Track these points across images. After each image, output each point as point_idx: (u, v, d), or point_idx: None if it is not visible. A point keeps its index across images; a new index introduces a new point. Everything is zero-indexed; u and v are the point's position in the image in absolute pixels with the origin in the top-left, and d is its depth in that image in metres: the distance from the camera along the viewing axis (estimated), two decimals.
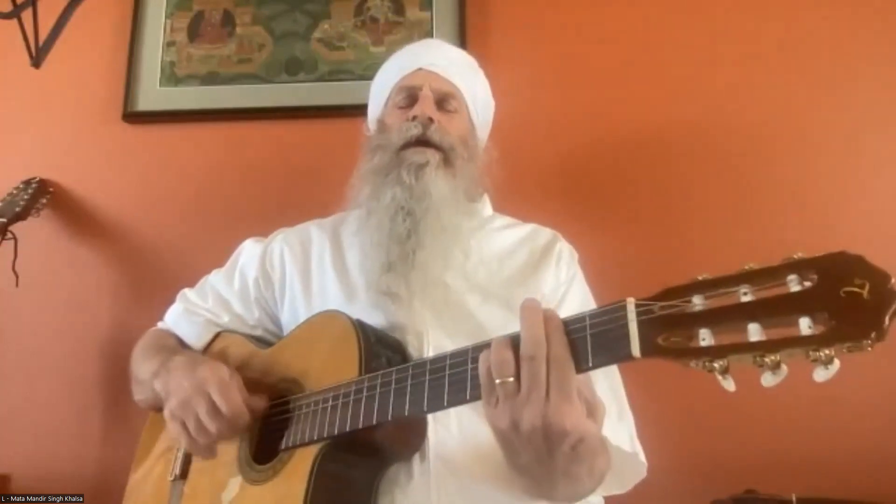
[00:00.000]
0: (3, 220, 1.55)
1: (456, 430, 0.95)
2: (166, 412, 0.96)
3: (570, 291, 1.11)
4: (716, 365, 0.59)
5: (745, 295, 0.60)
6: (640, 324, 0.65)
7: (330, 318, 0.98)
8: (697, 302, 0.62)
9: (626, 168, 1.65)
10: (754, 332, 0.58)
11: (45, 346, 1.66)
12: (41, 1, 1.35)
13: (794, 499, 1.24)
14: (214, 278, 1.24)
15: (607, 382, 0.99)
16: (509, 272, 1.10)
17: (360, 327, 0.94)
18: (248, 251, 1.23)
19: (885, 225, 1.55)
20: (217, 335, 1.17)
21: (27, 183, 1.67)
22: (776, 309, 0.58)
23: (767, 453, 1.43)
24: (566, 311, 1.03)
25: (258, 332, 1.18)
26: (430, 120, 1.10)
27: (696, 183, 1.63)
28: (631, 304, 0.66)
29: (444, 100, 1.15)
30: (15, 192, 1.64)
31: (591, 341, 0.68)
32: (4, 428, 1.61)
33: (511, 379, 0.69)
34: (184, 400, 0.94)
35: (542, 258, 1.13)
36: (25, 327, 1.67)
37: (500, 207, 1.26)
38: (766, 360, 0.57)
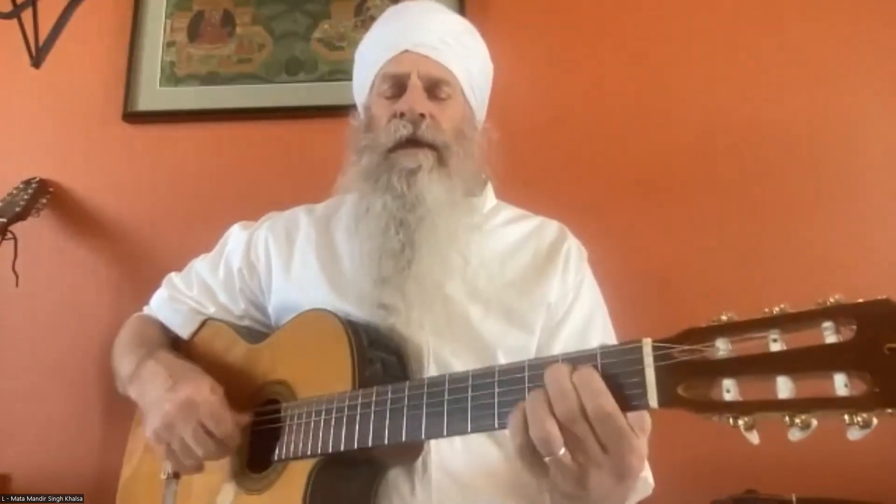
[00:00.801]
0: (3, 220, 1.55)
1: (458, 440, 0.93)
2: (149, 432, 0.93)
3: (578, 299, 1.05)
4: (741, 422, 0.55)
5: (775, 342, 0.55)
6: (658, 370, 0.59)
7: (319, 319, 0.94)
8: (721, 346, 0.57)
9: (631, 157, 1.65)
10: (784, 387, 0.54)
11: (44, 346, 1.66)
12: (41, 1, 1.35)
13: (794, 499, 1.23)
14: (200, 265, 1.20)
15: None
16: (512, 275, 1.04)
17: (352, 329, 0.90)
18: (235, 238, 1.19)
19: None
20: (204, 322, 1.13)
21: (27, 183, 1.67)
22: (808, 362, 0.53)
23: (767, 453, 1.42)
24: (573, 322, 1.03)
25: (245, 322, 1.14)
26: (421, 116, 1.00)
27: (706, 178, 1.62)
28: (648, 346, 0.60)
29: (436, 86, 1.04)
30: (15, 192, 1.64)
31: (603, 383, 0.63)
32: (4, 428, 1.61)
33: (562, 451, 0.63)
34: (168, 423, 0.90)
35: (547, 260, 1.06)
36: (25, 327, 1.67)
37: (503, 195, 1.20)
38: (797, 419, 0.53)
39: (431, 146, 1.01)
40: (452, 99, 1.06)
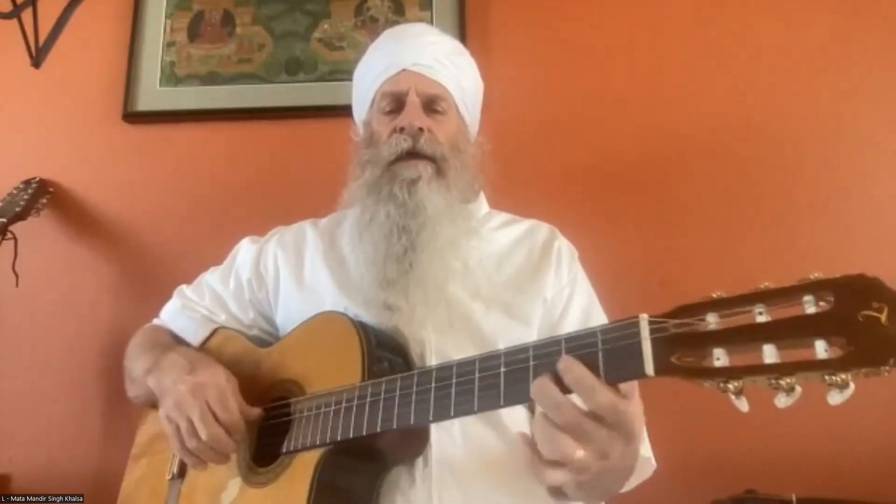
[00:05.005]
0: (3, 220, 1.55)
1: (458, 435, 0.95)
2: (161, 413, 0.96)
3: (574, 293, 1.10)
4: (730, 386, 0.59)
5: (761, 315, 0.60)
6: (654, 342, 0.64)
7: (331, 320, 0.98)
8: (712, 320, 0.62)
9: (628, 164, 1.65)
10: (769, 353, 0.58)
11: (44, 346, 1.66)
12: (41, 1, 1.35)
13: (794, 499, 1.23)
14: (211, 277, 1.24)
15: None
16: (507, 275, 1.10)
17: (363, 329, 0.93)
18: (244, 251, 1.23)
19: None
20: (214, 331, 1.16)
21: (27, 183, 1.67)
22: (791, 331, 0.58)
23: (767, 453, 1.42)
24: (573, 313, 1.08)
25: (254, 332, 1.18)
26: (420, 130, 1.06)
27: (699, 179, 1.63)
28: (644, 320, 0.65)
29: (433, 101, 1.11)
30: (15, 192, 1.64)
31: (602, 357, 0.68)
32: (4, 428, 1.61)
33: (581, 454, 0.68)
34: (179, 403, 0.93)
35: (541, 258, 1.12)
36: (25, 327, 1.67)
37: (497, 203, 1.24)
38: (782, 382, 0.57)
39: (430, 158, 1.07)
40: (448, 114, 1.12)
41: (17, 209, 1.58)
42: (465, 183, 1.12)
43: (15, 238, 1.59)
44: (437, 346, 0.99)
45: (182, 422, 0.93)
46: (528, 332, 1.04)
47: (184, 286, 1.26)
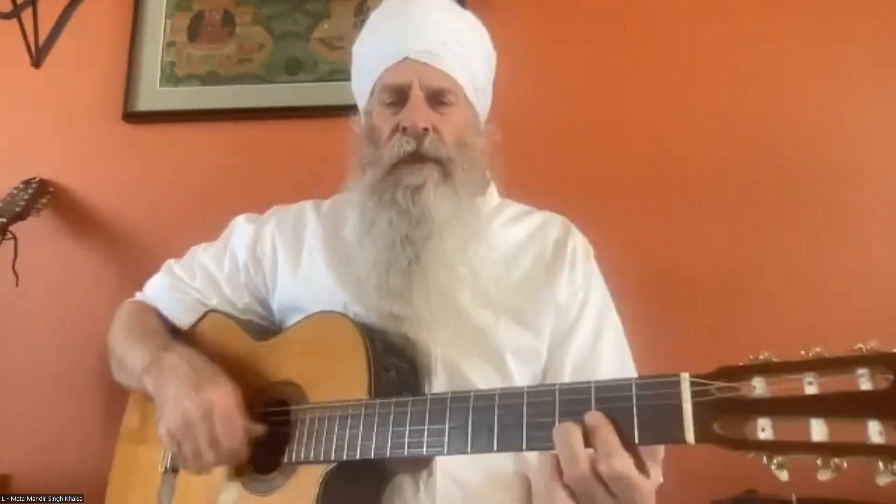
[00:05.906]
0: (3, 220, 1.55)
1: None
2: (162, 428, 0.92)
3: (588, 299, 1.04)
4: (775, 461, 0.57)
5: (810, 385, 0.56)
6: (696, 406, 0.60)
7: (334, 321, 0.94)
8: (758, 386, 0.58)
9: (626, 164, 1.65)
10: (818, 429, 0.55)
11: (45, 346, 1.66)
12: (41, 1, 1.35)
13: (793, 499, 1.23)
14: (203, 256, 1.18)
15: None
16: (518, 276, 1.04)
17: (368, 336, 0.90)
18: (240, 231, 1.17)
19: None
20: (205, 314, 1.12)
21: (27, 183, 1.67)
22: (843, 408, 0.54)
23: None
24: (585, 324, 1.03)
25: (248, 317, 1.13)
26: (424, 130, 0.97)
27: (699, 179, 1.62)
28: (686, 381, 0.61)
29: (439, 94, 1.00)
30: (15, 192, 1.64)
31: (637, 415, 0.63)
32: (4, 428, 1.61)
33: None
34: (186, 423, 0.89)
35: (553, 259, 1.05)
36: (25, 327, 1.67)
37: (506, 194, 1.19)
38: (830, 463, 0.54)
39: (436, 160, 0.99)
40: (455, 106, 1.03)
41: (17, 209, 1.58)
42: (472, 182, 1.04)
43: (15, 238, 1.59)
44: (443, 356, 0.96)
45: (188, 444, 0.89)
46: (538, 342, 1.00)
47: (172, 262, 1.21)
